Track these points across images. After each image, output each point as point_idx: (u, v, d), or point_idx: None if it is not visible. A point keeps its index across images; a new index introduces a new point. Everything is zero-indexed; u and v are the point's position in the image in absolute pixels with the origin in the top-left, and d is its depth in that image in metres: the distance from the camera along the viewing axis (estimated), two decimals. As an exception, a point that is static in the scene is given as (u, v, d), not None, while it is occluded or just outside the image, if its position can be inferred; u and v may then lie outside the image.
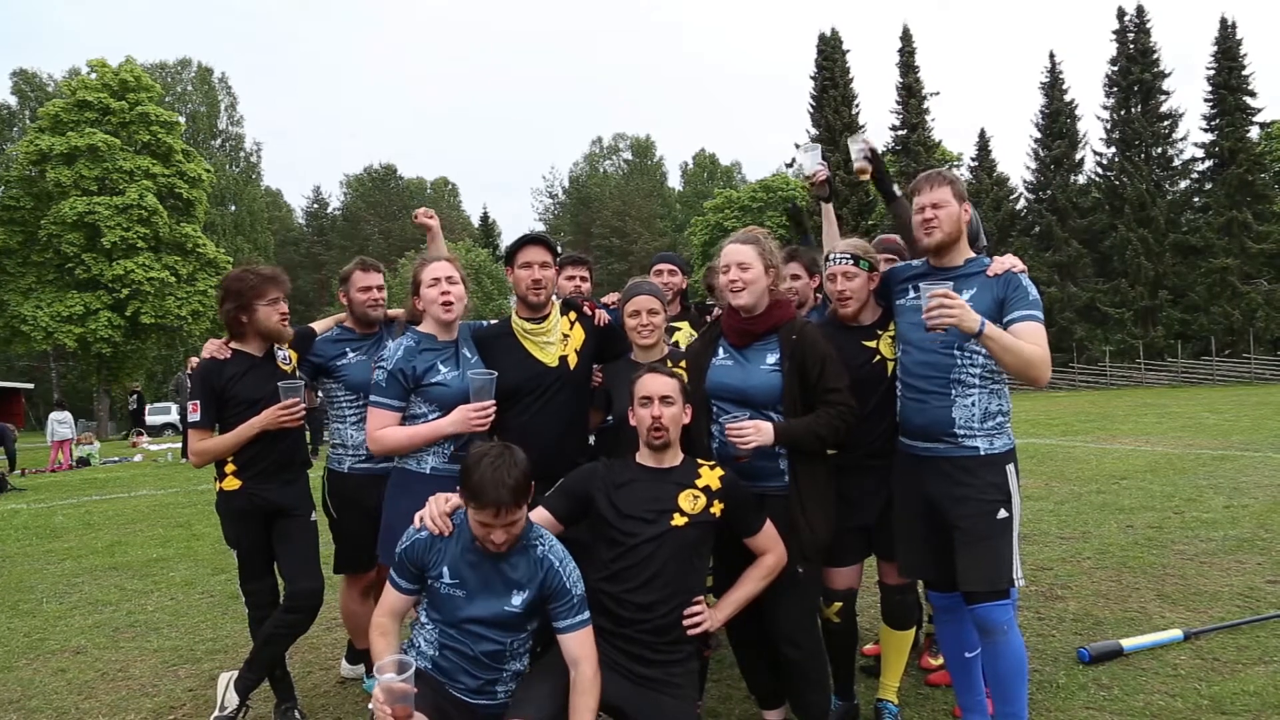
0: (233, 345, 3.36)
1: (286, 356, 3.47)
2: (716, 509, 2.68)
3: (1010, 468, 2.77)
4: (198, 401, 3.26)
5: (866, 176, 3.47)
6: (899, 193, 3.47)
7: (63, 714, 3.78)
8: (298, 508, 3.39)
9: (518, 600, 2.46)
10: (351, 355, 3.67)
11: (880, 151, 3.49)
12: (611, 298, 3.66)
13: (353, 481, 3.62)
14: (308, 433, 4.26)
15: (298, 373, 3.51)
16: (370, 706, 2.16)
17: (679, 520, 2.64)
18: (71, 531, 8.88)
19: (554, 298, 3.27)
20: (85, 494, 12.50)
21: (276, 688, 3.45)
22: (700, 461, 2.77)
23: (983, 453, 2.74)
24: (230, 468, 3.30)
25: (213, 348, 3.37)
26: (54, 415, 18.93)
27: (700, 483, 2.70)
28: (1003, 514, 2.70)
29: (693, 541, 2.66)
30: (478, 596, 2.46)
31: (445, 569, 2.46)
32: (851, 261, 3.04)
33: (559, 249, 3.30)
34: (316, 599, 3.30)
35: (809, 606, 2.91)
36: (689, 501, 2.67)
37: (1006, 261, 2.78)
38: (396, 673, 2.14)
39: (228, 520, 3.37)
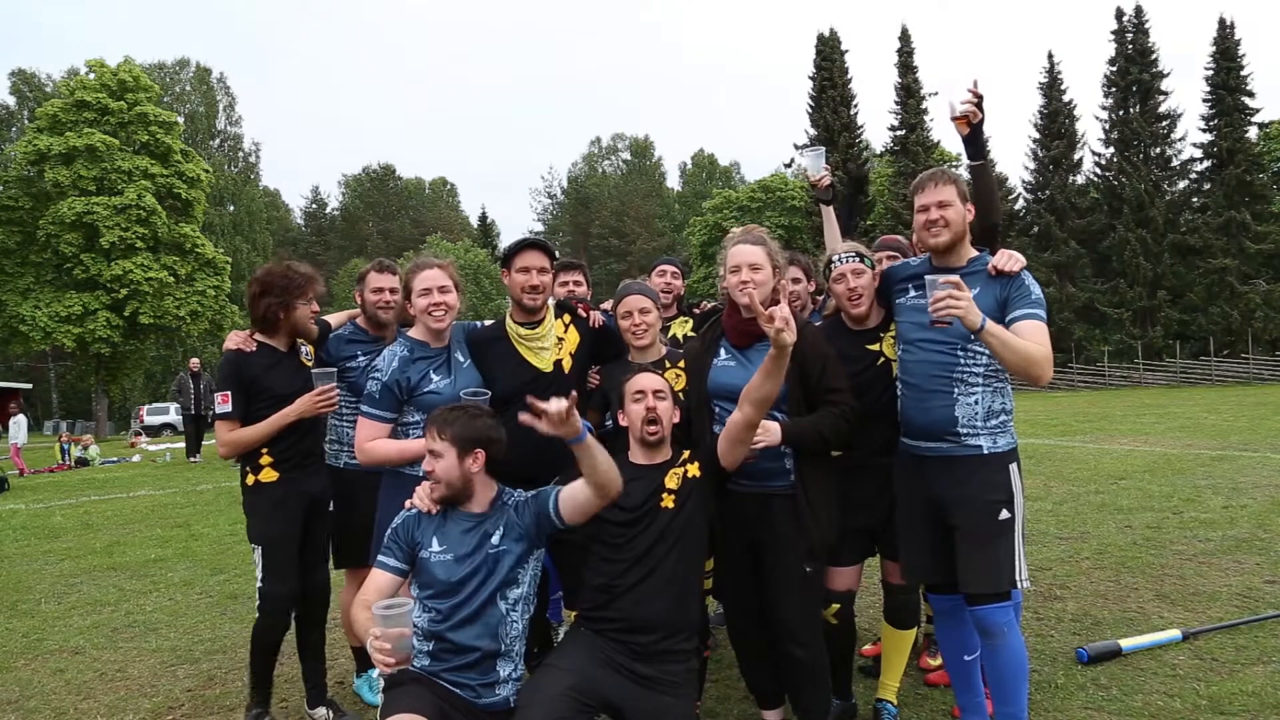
0: (258, 338, 3.36)
1: (307, 352, 3.52)
2: (693, 469, 2.73)
3: (1013, 467, 2.76)
4: (228, 392, 3.23)
5: (966, 130, 2.99)
6: (990, 156, 2.95)
7: (61, 714, 3.77)
8: (325, 498, 3.47)
9: (496, 537, 2.60)
10: (363, 358, 3.65)
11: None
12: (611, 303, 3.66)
13: (349, 477, 3.64)
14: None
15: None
16: (370, 646, 2.23)
17: (668, 500, 2.68)
18: (70, 532, 8.87)
19: (549, 301, 3.28)
20: (84, 494, 12.49)
21: (255, 692, 3.37)
22: (688, 452, 2.80)
23: (986, 451, 2.73)
24: (266, 459, 3.28)
25: (239, 339, 3.34)
26: (13, 420, 19.64)
27: (689, 471, 2.74)
28: (1004, 515, 2.68)
29: (685, 525, 2.67)
30: (464, 553, 2.58)
31: (434, 538, 2.62)
32: (858, 259, 3.03)
33: (556, 254, 3.30)
34: (326, 591, 3.52)
35: (815, 605, 2.91)
36: (674, 480, 2.71)
37: (1004, 257, 2.76)
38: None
39: (262, 514, 3.31)
